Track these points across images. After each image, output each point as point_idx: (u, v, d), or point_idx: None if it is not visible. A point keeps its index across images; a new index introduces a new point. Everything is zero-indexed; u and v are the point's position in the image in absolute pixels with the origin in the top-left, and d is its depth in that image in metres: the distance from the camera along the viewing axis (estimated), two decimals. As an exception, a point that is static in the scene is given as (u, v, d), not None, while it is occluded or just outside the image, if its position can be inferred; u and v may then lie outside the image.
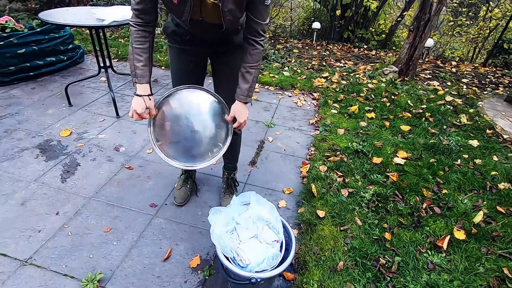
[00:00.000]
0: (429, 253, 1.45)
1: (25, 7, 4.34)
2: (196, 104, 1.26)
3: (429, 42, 4.22)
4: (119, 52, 3.63)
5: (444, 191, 1.84)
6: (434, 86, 3.45)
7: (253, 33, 1.14)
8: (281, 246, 1.21)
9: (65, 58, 3.11)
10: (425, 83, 3.56)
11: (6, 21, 2.72)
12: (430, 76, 3.86)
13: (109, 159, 1.99)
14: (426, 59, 4.70)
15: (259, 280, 1.05)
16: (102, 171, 1.87)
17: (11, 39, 2.60)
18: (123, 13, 2.21)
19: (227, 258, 1.13)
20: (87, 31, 3.85)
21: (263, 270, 1.11)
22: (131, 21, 1.13)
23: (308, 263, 1.38)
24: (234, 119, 1.25)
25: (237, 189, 1.77)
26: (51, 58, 2.96)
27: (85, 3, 4.85)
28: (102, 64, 2.45)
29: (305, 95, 3.14)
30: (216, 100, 1.27)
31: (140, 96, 1.16)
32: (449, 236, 1.51)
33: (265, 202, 1.29)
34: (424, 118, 2.68)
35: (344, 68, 3.88)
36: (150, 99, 1.18)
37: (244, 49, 1.19)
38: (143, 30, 1.13)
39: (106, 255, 1.39)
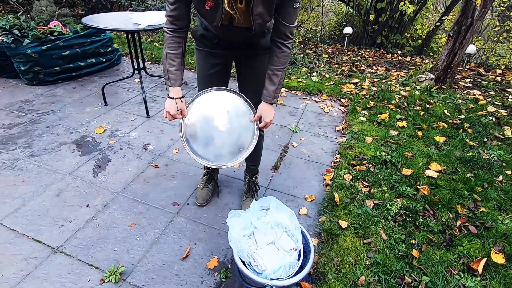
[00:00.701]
0: (462, 275, 1.34)
1: (72, 12, 4.71)
2: (224, 105, 1.29)
3: (471, 48, 3.94)
4: (153, 55, 3.80)
5: (482, 209, 1.69)
6: (475, 95, 3.21)
7: (281, 35, 1.15)
8: (299, 255, 1.18)
9: (104, 60, 3.31)
10: (465, 92, 3.33)
11: (55, 25, 2.96)
12: (471, 85, 3.60)
13: (137, 156, 2.07)
14: (467, 67, 4.40)
15: (274, 287, 1.03)
16: (130, 168, 1.96)
17: (58, 41, 2.82)
18: (157, 18, 2.31)
19: (243, 262, 1.13)
20: (125, 34, 4.09)
21: (279, 278, 1.09)
22: (165, 27, 1.17)
23: (327, 274, 1.33)
24: (260, 119, 1.28)
25: (258, 193, 1.76)
26: (92, 60, 3.17)
27: (124, 9, 5.15)
28: (136, 66, 2.57)
29: (333, 101, 3.07)
30: (243, 101, 1.30)
31: (173, 98, 1.22)
32: (485, 259, 1.39)
33: (285, 208, 1.26)
34: (461, 129, 2.50)
35: (375, 74, 3.75)
36: (182, 101, 1.24)
37: (271, 52, 1.20)
38: (177, 36, 1.17)
39: (129, 249, 1.44)
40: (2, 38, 2.66)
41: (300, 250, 1.18)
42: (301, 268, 1.14)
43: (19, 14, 2.96)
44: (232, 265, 1.40)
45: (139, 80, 2.99)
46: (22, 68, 2.78)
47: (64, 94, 2.83)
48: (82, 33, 3.02)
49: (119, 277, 1.31)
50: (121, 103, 2.75)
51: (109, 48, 3.36)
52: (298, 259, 1.16)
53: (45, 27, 2.91)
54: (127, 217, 1.61)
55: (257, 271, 1.12)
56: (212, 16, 1.09)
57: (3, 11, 5.32)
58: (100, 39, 3.20)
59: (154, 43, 4.33)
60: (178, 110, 1.23)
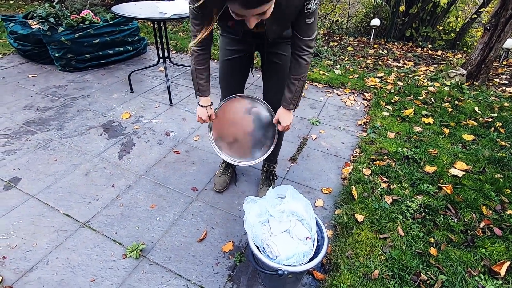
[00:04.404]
0: (482, 277, 1.30)
1: (103, 2, 4.87)
2: (247, 109, 1.42)
3: (509, 43, 3.68)
4: (178, 45, 3.87)
5: (509, 211, 1.61)
6: (511, 93, 3.02)
7: (297, 47, 1.16)
8: (313, 245, 1.19)
9: (131, 49, 3.42)
10: (500, 89, 3.13)
11: (86, 14, 3.08)
12: (507, 82, 3.38)
13: (160, 142, 2.15)
14: (504, 62, 4.12)
15: (286, 272, 1.06)
16: (153, 153, 2.04)
17: (89, 30, 2.95)
18: (182, 7, 2.35)
19: (257, 247, 1.16)
20: (151, 24, 4.19)
21: (292, 265, 1.11)
22: (191, 46, 1.22)
23: (340, 265, 1.34)
24: (279, 122, 1.35)
25: (274, 182, 1.78)
26: (120, 48, 3.29)
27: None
28: (161, 55, 2.64)
29: (356, 95, 3.00)
30: (264, 107, 1.41)
31: (204, 106, 1.36)
32: (509, 262, 1.33)
33: (301, 197, 1.27)
34: (493, 128, 2.37)
35: (402, 68, 3.61)
36: (211, 108, 1.38)
37: (291, 61, 1.22)
38: (203, 54, 1.24)
39: (150, 228, 1.52)
40: (39, 26, 2.81)
41: (314, 240, 1.20)
42: (315, 257, 1.15)
43: (54, 3, 3.11)
44: (246, 250, 1.43)
45: (163, 69, 3.07)
46: (56, 55, 2.94)
47: (93, 80, 2.96)
48: (111, 22, 3.13)
49: (139, 253, 1.38)
50: (146, 90, 2.84)
51: (136, 37, 3.46)
52: (312, 249, 1.17)
53: (78, 16, 3.05)
54: (149, 199, 1.68)
55: (270, 257, 1.14)
56: (235, 30, 1.23)
57: (40, 0, 5.61)
58: (128, 28, 3.30)
59: (179, 33, 4.41)
60: (208, 116, 1.38)
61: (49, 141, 2.09)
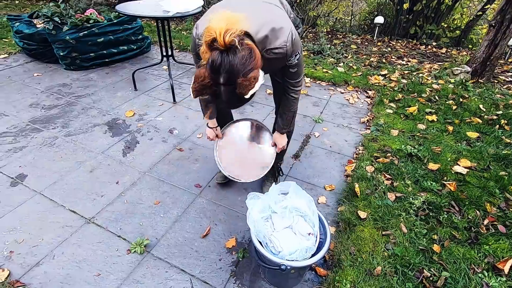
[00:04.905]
0: (485, 274, 1.29)
1: (107, 1, 4.91)
2: (250, 132, 1.60)
3: (516, 40, 3.64)
4: (181, 43, 3.88)
5: (514, 209, 1.60)
6: (516, 90, 2.99)
7: (286, 87, 1.27)
8: (315, 241, 1.19)
9: (135, 47, 3.44)
10: (505, 87, 3.10)
11: (91, 13, 3.11)
12: (512, 79, 3.35)
13: (164, 140, 2.17)
14: (510, 60, 4.08)
15: (289, 267, 1.06)
16: (157, 150, 2.05)
17: (93, 29, 2.97)
18: (186, 6, 2.35)
19: (260, 242, 1.16)
20: (155, 23, 4.20)
21: (294, 260, 1.12)
22: None
23: (342, 262, 1.34)
24: (275, 144, 1.50)
25: (278, 179, 1.79)
26: (123, 47, 3.31)
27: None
28: (164, 53, 2.66)
29: (359, 93, 2.99)
30: (266, 130, 1.57)
31: (211, 128, 1.49)
32: (513, 259, 1.32)
33: (304, 194, 1.28)
34: (498, 126, 2.35)
35: (406, 66, 3.59)
36: (217, 129, 1.52)
37: (281, 97, 1.33)
38: None
39: (154, 224, 1.53)
40: (45, 25, 2.84)
41: (316, 236, 1.20)
42: (317, 253, 1.15)
43: (59, 3, 3.14)
44: (249, 246, 1.44)
45: (167, 67, 3.09)
46: (61, 54, 2.97)
47: (97, 79, 2.99)
48: (115, 21, 3.15)
49: (144, 249, 1.40)
50: (149, 88, 2.86)
51: (140, 36, 3.48)
52: (315, 245, 1.18)
53: (82, 15, 3.07)
54: (153, 195, 1.70)
55: (273, 252, 1.15)
56: None
57: (45, 0, 5.66)
58: (132, 27, 3.32)
59: (182, 32, 4.42)
60: (215, 136, 1.52)
61: (54, 138, 2.12)
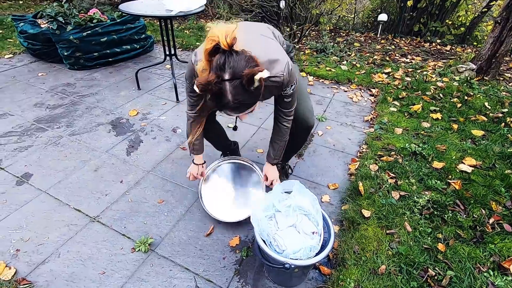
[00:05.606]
0: (491, 273, 1.28)
1: (110, 0, 4.92)
2: (235, 170, 1.62)
3: (522, 37, 3.59)
4: (184, 42, 3.89)
5: (520, 207, 1.59)
6: (522, 88, 2.95)
7: (278, 116, 1.29)
8: (319, 240, 1.19)
9: (138, 47, 3.45)
10: (510, 84, 3.07)
11: (94, 13, 3.12)
12: (518, 77, 3.31)
13: (167, 138, 2.17)
14: (516, 57, 4.03)
15: (293, 266, 1.06)
16: (160, 149, 2.06)
17: (96, 28, 2.98)
18: (188, 4, 2.35)
19: (263, 241, 1.16)
20: (158, 22, 4.20)
21: (298, 259, 1.12)
22: (188, 112, 1.31)
23: (346, 260, 1.34)
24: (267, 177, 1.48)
25: (288, 177, 1.81)
26: (127, 46, 3.32)
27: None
28: (167, 52, 2.66)
29: (362, 91, 2.97)
30: (253, 170, 1.58)
31: (197, 164, 1.48)
32: (519, 258, 1.31)
33: (307, 192, 1.28)
34: (503, 124, 2.33)
35: (410, 64, 3.56)
36: (203, 166, 1.51)
37: (273, 126, 1.34)
38: (198, 116, 1.29)
39: (158, 223, 1.54)
40: (48, 25, 2.86)
41: (320, 234, 1.20)
42: (321, 252, 1.15)
43: (62, 2, 3.15)
44: (253, 245, 1.44)
45: (170, 66, 3.09)
46: (65, 53, 2.99)
47: (101, 78, 3.00)
48: (118, 20, 3.16)
49: (148, 247, 1.41)
50: (153, 88, 2.87)
51: (143, 35, 3.49)
52: (319, 243, 1.18)
53: (86, 15, 3.08)
54: (157, 194, 1.71)
55: (277, 251, 1.15)
56: None
57: (49, 0, 5.69)
58: (135, 26, 3.33)
59: (185, 31, 4.43)
60: (199, 174, 1.50)
61: (59, 138, 2.13)
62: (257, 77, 0.85)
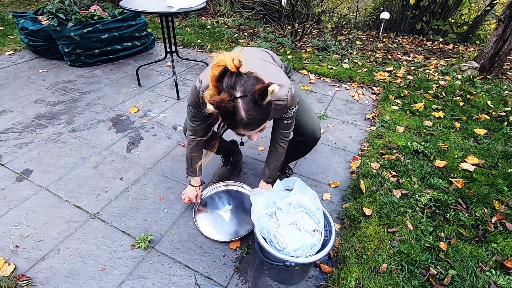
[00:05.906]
0: (493, 272, 1.27)
1: (111, -2, 4.90)
2: (230, 195, 1.67)
3: (525, 35, 3.56)
4: (185, 40, 3.87)
5: (523, 206, 1.57)
6: (525, 86, 2.93)
7: (276, 136, 1.32)
8: (320, 238, 1.18)
9: (139, 44, 3.44)
10: (513, 83, 3.04)
11: (95, 10, 3.11)
12: (521, 75, 3.28)
13: (168, 136, 2.16)
14: (519, 56, 3.99)
15: (293, 264, 1.05)
16: (161, 146, 2.05)
17: (97, 25, 2.97)
18: (189, 1, 2.34)
19: (264, 238, 1.15)
20: (159, 20, 4.19)
21: (299, 257, 1.11)
22: (188, 136, 1.33)
23: (347, 259, 1.33)
24: None
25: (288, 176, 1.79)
26: (128, 43, 3.31)
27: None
28: (168, 49, 2.65)
29: (364, 89, 2.96)
30: (246, 192, 1.65)
31: (194, 186, 1.50)
32: (522, 258, 1.30)
33: (308, 190, 1.27)
34: (506, 122, 2.31)
35: (412, 62, 3.54)
36: (199, 188, 1.53)
37: (270, 144, 1.38)
38: (198, 143, 1.33)
39: (158, 220, 1.53)
40: (49, 22, 2.85)
41: (321, 232, 1.19)
42: (322, 249, 1.14)
43: (63, -1, 3.14)
44: (253, 243, 1.44)
45: (171, 64, 3.08)
46: (66, 50, 2.98)
47: (102, 75, 2.99)
48: (119, 17, 3.15)
49: (148, 244, 1.40)
50: (153, 85, 2.86)
51: (144, 32, 3.48)
52: (320, 241, 1.17)
53: (86, 11, 3.07)
54: (157, 191, 1.70)
55: (278, 248, 1.14)
56: None
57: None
58: (136, 23, 3.31)
59: (186, 28, 4.41)
60: (194, 197, 1.51)
61: (59, 134, 2.13)
62: (270, 89, 0.87)
